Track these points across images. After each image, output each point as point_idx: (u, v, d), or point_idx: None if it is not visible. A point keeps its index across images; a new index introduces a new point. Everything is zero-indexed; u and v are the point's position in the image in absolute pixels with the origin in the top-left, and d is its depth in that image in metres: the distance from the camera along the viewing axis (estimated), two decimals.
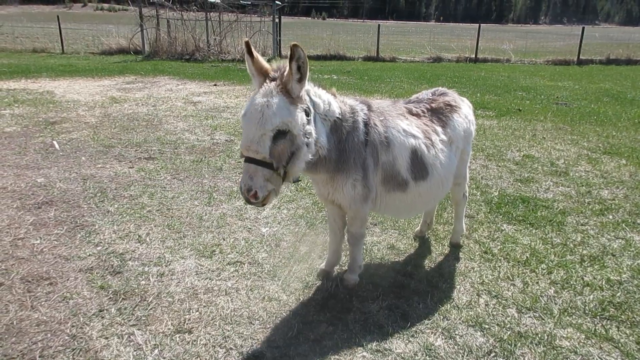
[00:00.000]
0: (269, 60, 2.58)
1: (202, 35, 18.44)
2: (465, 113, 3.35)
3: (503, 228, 4.10)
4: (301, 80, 2.40)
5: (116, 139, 6.55)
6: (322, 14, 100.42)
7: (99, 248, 3.57)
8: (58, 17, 20.10)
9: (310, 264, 3.44)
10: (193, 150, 6.14)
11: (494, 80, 14.21)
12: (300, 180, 2.70)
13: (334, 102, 2.73)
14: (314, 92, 2.62)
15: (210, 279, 3.19)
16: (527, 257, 3.59)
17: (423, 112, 3.17)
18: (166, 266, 3.33)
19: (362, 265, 3.20)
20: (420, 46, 24.13)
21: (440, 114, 3.21)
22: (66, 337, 2.58)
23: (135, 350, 2.50)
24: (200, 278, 3.20)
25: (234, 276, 3.24)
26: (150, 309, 2.85)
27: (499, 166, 5.80)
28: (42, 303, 2.88)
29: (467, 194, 3.81)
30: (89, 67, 14.08)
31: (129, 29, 19.53)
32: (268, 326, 2.73)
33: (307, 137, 2.48)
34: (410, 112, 3.12)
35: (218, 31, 18.75)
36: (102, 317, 2.76)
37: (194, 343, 2.57)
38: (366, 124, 2.81)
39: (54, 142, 6.20)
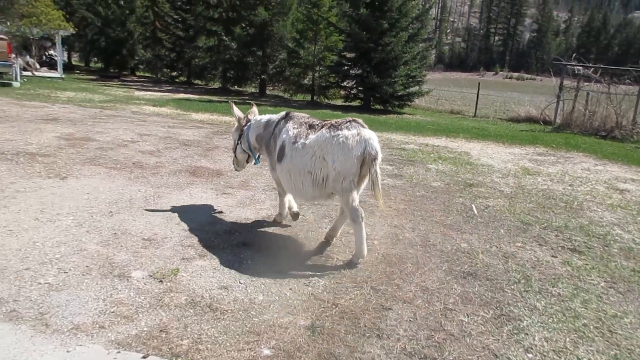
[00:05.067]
0: None
1: (627, 112, 16.12)
2: (339, 135, 4.05)
3: None
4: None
5: (533, 216, 6.06)
6: None
7: (529, 355, 3.04)
8: (479, 84, 21.93)
9: None
10: (631, 255, 4.94)
11: None
12: (257, 163, 5.35)
13: (265, 120, 4.94)
14: (254, 120, 5.10)
15: None
16: None
17: (318, 126, 4.32)
18: None
19: (285, 215, 5.11)
20: None
21: (320, 129, 4.24)
22: None
23: None
24: None
25: None
26: None
27: None
28: None
29: (359, 215, 4.09)
30: (499, 133, 14.43)
31: (542, 99, 19.23)
32: None
33: (239, 143, 5.30)
34: (309, 124, 4.42)
35: None
36: None
37: None
38: (276, 125, 4.69)
39: (473, 206, 6.26)
